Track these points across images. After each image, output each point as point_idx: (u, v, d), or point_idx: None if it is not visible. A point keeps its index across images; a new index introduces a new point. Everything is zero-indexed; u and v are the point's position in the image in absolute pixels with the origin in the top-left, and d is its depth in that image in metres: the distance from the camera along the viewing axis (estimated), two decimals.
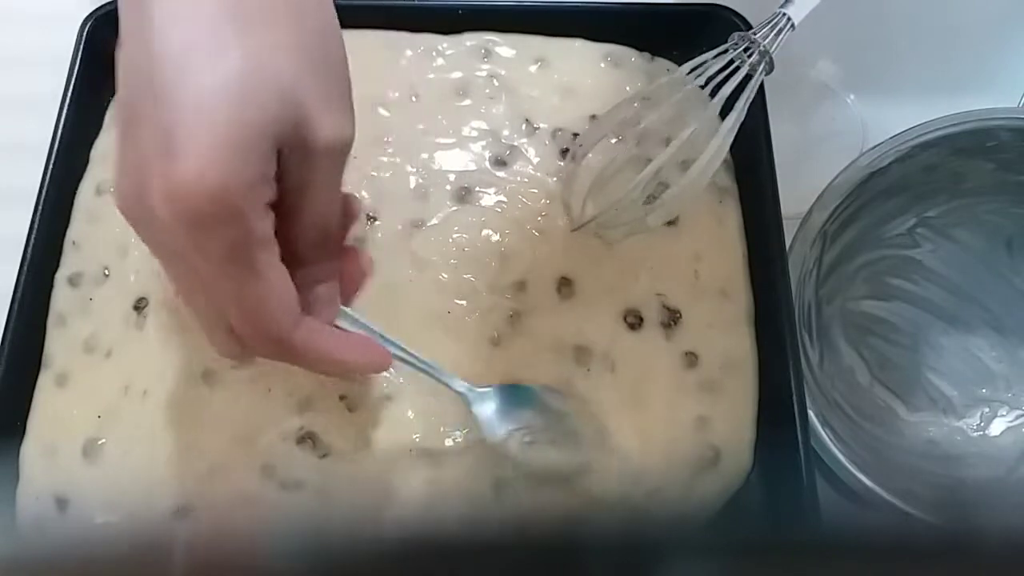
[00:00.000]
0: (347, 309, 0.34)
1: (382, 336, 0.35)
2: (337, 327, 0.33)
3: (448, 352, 0.42)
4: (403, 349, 0.36)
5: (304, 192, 0.28)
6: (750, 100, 0.42)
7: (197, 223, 0.25)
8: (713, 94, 0.42)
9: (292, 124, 0.26)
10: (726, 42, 0.42)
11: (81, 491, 0.40)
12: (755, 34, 0.42)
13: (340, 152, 0.28)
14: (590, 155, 0.45)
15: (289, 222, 0.28)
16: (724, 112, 0.42)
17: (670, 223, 0.45)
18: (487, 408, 0.39)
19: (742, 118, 0.42)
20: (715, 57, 0.42)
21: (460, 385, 0.38)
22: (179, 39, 0.25)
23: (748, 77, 0.42)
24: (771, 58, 0.41)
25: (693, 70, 0.43)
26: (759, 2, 0.45)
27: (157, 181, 0.25)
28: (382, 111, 0.47)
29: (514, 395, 0.40)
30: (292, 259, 0.29)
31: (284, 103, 0.26)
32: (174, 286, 0.29)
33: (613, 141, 0.46)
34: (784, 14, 0.41)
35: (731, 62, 0.42)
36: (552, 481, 0.39)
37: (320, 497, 0.40)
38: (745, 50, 0.42)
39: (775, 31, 0.41)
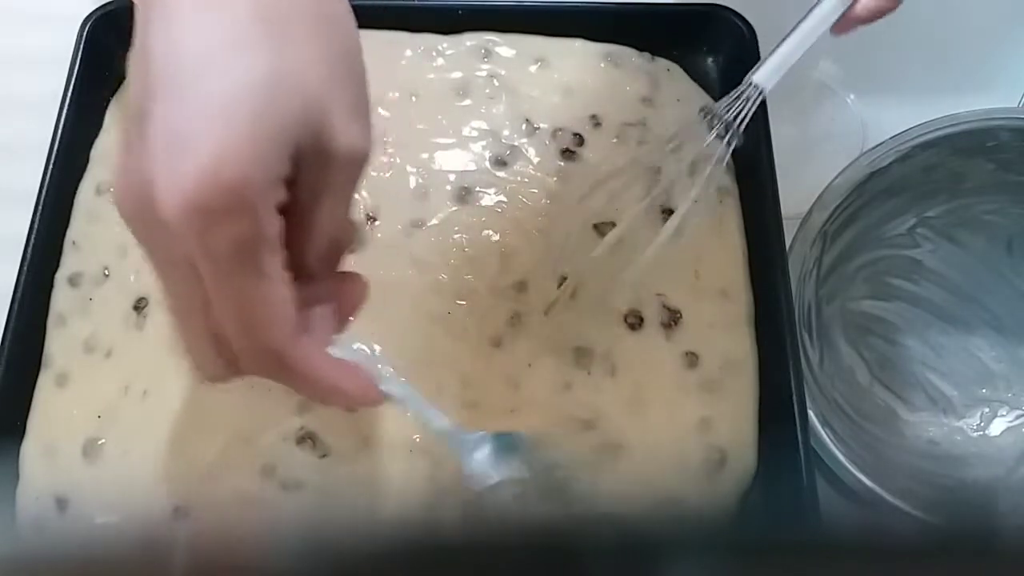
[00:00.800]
0: (341, 335, 0.32)
1: (375, 360, 0.33)
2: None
3: (448, 353, 0.42)
4: (397, 381, 0.33)
5: (316, 201, 0.28)
6: (716, 179, 0.40)
7: (206, 216, 0.24)
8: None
9: (313, 130, 0.26)
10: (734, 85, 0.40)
11: (81, 491, 0.40)
12: (720, 108, 0.39)
13: (357, 163, 0.28)
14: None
15: (298, 231, 0.28)
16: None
17: None
18: (477, 455, 0.36)
19: (708, 189, 0.40)
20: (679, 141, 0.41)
21: (445, 426, 0.35)
22: (206, 36, 0.25)
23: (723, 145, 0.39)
24: (740, 130, 0.39)
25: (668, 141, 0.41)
26: (759, 2, 0.45)
27: (165, 176, 0.24)
28: (382, 111, 0.47)
29: (505, 442, 0.37)
30: (295, 273, 0.28)
31: (308, 107, 0.26)
32: (166, 298, 0.29)
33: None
34: (752, 83, 0.39)
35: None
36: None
37: (320, 497, 0.40)
38: (715, 124, 0.39)
39: (743, 101, 0.39)
